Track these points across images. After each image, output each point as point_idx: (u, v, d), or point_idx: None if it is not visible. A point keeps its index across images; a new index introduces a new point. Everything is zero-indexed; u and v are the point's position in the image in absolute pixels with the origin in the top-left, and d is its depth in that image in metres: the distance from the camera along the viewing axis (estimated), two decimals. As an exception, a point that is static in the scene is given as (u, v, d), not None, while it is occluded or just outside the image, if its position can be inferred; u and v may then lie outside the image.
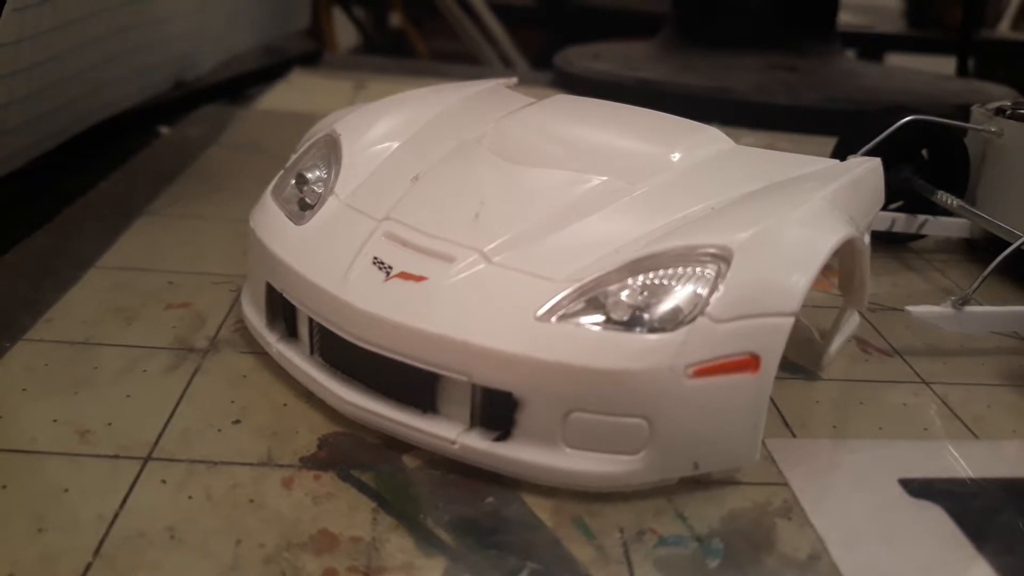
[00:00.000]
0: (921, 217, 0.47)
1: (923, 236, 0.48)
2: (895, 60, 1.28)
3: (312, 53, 0.91)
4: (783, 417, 0.32)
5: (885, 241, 0.48)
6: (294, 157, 0.36)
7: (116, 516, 0.25)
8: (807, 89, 0.74)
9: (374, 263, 0.29)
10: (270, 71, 0.81)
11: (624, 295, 0.27)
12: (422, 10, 1.34)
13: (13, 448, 0.27)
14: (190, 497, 0.26)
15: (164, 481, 0.26)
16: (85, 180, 0.50)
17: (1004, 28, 1.36)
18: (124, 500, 0.25)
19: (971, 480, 0.29)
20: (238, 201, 0.46)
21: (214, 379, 0.32)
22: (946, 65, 1.14)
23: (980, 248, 0.48)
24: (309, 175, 0.34)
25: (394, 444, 0.28)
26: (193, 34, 0.70)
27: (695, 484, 0.28)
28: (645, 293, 0.27)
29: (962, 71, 1.00)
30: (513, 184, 0.32)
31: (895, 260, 0.48)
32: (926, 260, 0.49)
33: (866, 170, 0.34)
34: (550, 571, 0.24)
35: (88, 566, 0.23)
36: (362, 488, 0.27)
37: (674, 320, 0.26)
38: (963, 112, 0.49)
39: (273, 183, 0.35)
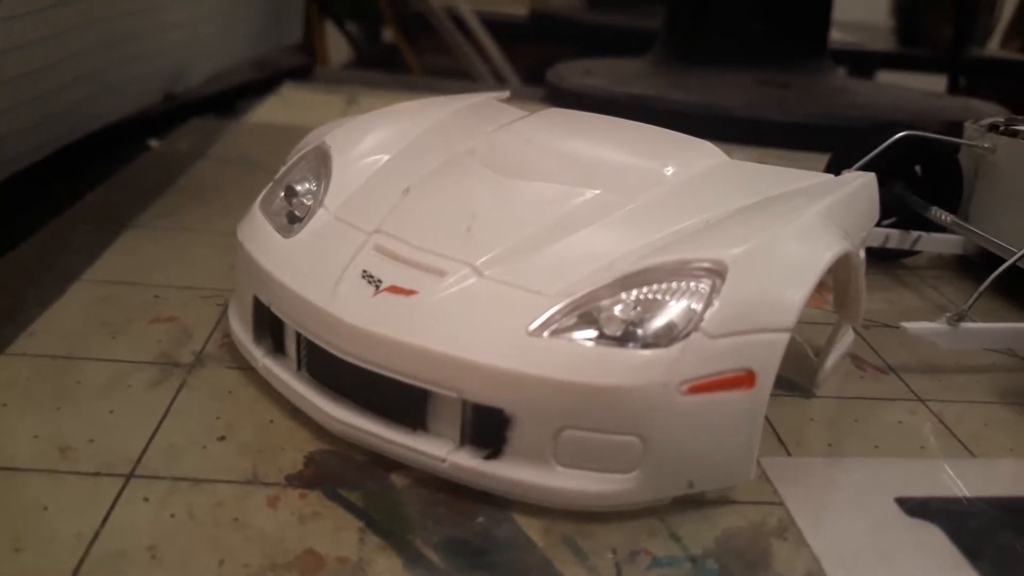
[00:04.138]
0: (915, 233, 0.46)
1: (917, 252, 0.48)
2: (885, 78, 1.29)
3: (304, 67, 0.91)
4: (778, 435, 0.31)
5: (879, 258, 0.47)
6: (283, 169, 0.36)
7: (96, 535, 0.24)
8: (799, 105, 0.74)
9: (363, 276, 0.29)
10: (261, 85, 0.80)
11: (617, 310, 0.26)
12: (415, 26, 1.34)
13: (-9, 465, 0.26)
14: (172, 515, 0.25)
15: (146, 499, 0.26)
16: (72, 192, 0.50)
17: (993, 46, 1.37)
18: (105, 518, 0.25)
19: (968, 499, 0.29)
20: (227, 215, 0.46)
21: (199, 395, 0.31)
22: (936, 83, 1.15)
23: (974, 265, 0.48)
24: (298, 187, 0.34)
25: (382, 462, 0.28)
26: (184, 46, 0.70)
27: (689, 503, 0.27)
28: (639, 308, 0.26)
29: (953, 88, 1.00)
30: (505, 197, 0.31)
31: (889, 276, 0.48)
32: (920, 277, 0.48)
33: (860, 185, 0.34)
34: (541, 593, 0.23)
35: (66, 587, 0.22)
36: (349, 507, 0.26)
37: (668, 336, 0.26)
38: (955, 129, 0.49)
39: (262, 195, 0.35)
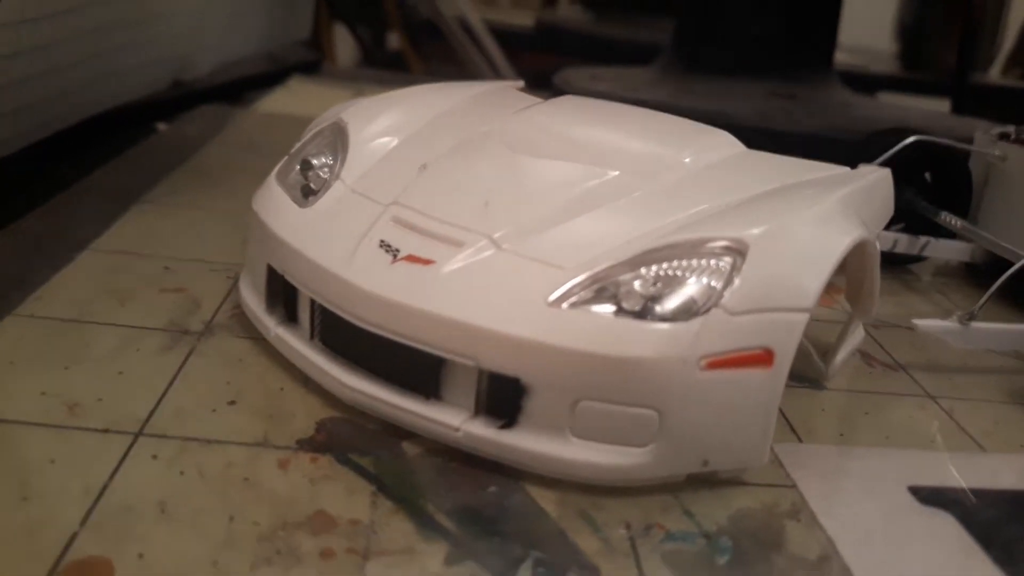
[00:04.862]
0: (923, 239, 0.46)
1: (924, 258, 0.48)
2: (888, 99, 1.30)
3: (312, 62, 0.91)
4: (789, 423, 0.31)
5: (887, 262, 0.47)
6: (299, 144, 0.35)
7: (104, 488, 0.24)
8: (806, 116, 0.74)
9: (381, 246, 0.28)
10: (269, 77, 0.80)
11: (637, 285, 0.26)
12: (421, 32, 1.35)
13: (-2, 418, 0.26)
14: (182, 473, 0.25)
15: (155, 456, 0.25)
16: (80, 169, 0.49)
17: (994, 73, 1.38)
18: (113, 473, 0.24)
19: (981, 491, 0.28)
20: (235, 195, 0.45)
21: (209, 361, 0.31)
22: (937, 107, 1.15)
23: (979, 272, 0.48)
24: (315, 161, 0.33)
25: (394, 431, 0.28)
26: (194, 34, 0.69)
27: (701, 483, 0.27)
28: (658, 284, 0.26)
29: (957, 109, 1.01)
30: (524, 175, 0.31)
31: (897, 281, 0.48)
32: (927, 282, 0.48)
33: (877, 178, 0.34)
34: (555, 560, 0.23)
35: (74, 536, 0.22)
36: (361, 472, 0.26)
37: (688, 311, 0.25)
38: (963, 144, 0.49)
39: (277, 168, 0.34)
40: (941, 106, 1.16)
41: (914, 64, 1.38)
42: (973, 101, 1.16)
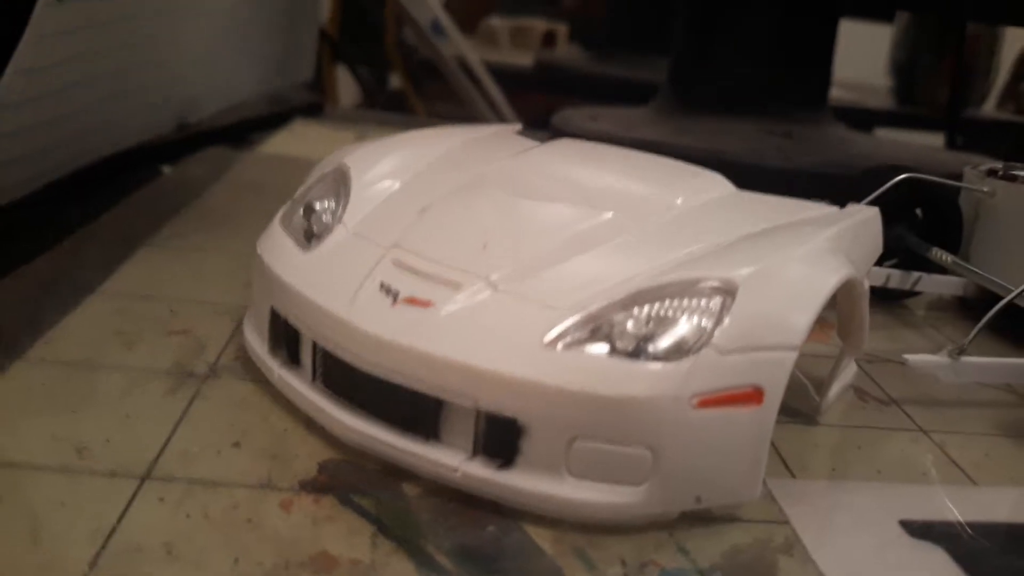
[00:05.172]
0: (915, 274, 0.47)
1: (917, 293, 0.49)
2: (883, 135, 1.31)
3: (314, 105, 0.92)
4: (782, 458, 0.32)
5: (880, 297, 0.48)
6: (302, 189, 0.36)
7: (113, 531, 0.24)
8: (801, 154, 0.76)
9: (381, 288, 0.29)
10: (272, 119, 0.82)
11: (630, 325, 0.27)
12: (422, 74, 1.37)
13: (9, 462, 0.27)
14: (188, 515, 0.25)
15: (162, 499, 0.26)
16: (87, 212, 0.50)
17: (989, 108, 1.40)
18: (121, 516, 0.25)
19: (972, 524, 0.29)
20: (240, 236, 0.46)
21: (214, 403, 0.31)
22: (931, 142, 1.17)
23: (971, 307, 0.49)
24: (317, 205, 0.34)
25: (394, 472, 0.28)
26: (198, 77, 0.71)
27: (695, 519, 0.27)
28: (650, 324, 0.27)
29: (951, 144, 1.02)
30: (520, 217, 0.32)
31: (890, 316, 0.49)
32: (921, 317, 0.49)
33: (865, 217, 0.35)
34: (552, 598, 0.24)
35: (83, 578, 0.22)
36: (362, 512, 0.26)
37: (680, 350, 0.26)
38: (956, 179, 0.50)
39: (281, 212, 0.35)
40: (936, 141, 1.18)
41: (908, 99, 1.40)
42: (968, 135, 1.17)
